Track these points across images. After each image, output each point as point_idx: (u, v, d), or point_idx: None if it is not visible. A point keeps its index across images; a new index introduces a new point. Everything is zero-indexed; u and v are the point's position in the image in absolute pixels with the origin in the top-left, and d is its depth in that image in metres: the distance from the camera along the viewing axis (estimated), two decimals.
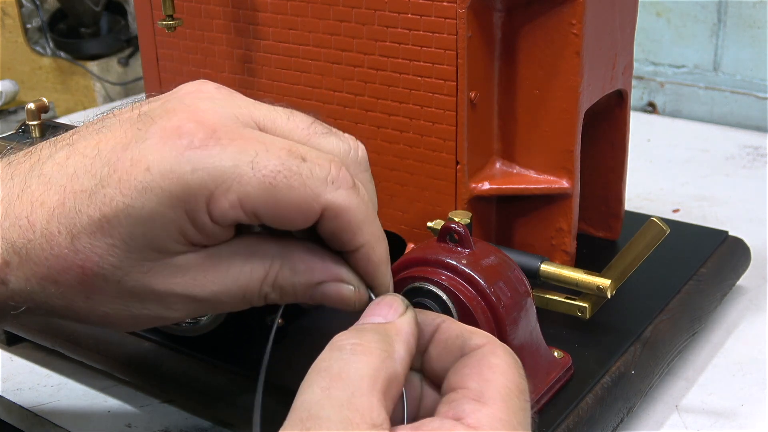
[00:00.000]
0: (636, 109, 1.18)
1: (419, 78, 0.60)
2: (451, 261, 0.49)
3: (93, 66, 1.54)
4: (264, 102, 0.43)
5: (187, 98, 0.41)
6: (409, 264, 0.51)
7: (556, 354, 0.54)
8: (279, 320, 0.44)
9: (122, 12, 1.59)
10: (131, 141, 0.40)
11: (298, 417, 0.35)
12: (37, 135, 0.65)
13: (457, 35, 0.57)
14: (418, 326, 0.41)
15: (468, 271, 0.49)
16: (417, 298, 0.50)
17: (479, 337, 0.40)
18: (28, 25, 1.57)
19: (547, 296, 0.57)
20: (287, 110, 0.43)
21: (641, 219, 0.65)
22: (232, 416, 0.57)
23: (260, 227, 0.42)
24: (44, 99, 0.66)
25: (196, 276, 0.41)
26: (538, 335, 0.52)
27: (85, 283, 0.40)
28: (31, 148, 0.43)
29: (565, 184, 0.61)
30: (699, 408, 0.60)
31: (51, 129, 0.66)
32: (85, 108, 1.53)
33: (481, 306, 0.49)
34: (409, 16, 0.59)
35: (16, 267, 0.40)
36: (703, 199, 0.92)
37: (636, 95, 1.21)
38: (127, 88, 1.57)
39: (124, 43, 1.58)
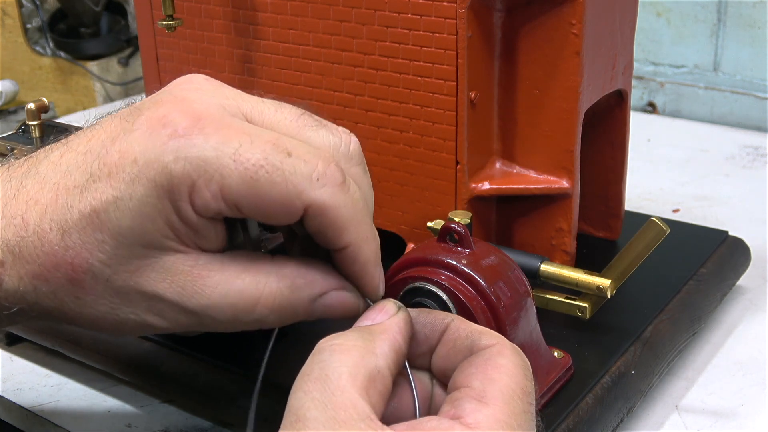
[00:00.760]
0: (636, 109, 1.18)
1: (419, 78, 0.60)
2: (451, 261, 0.49)
3: (93, 66, 1.54)
4: (252, 94, 0.43)
5: (175, 89, 0.41)
6: (409, 264, 0.51)
7: (556, 354, 0.54)
8: None
9: (122, 12, 1.60)
10: (119, 133, 0.40)
11: (288, 421, 0.35)
12: (37, 135, 0.65)
13: (457, 35, 0.57)
14: (412, 327, 0.41)
15: (468, 271, 0.49)
16: (417, 298, 0.50)
17: (489, 337, 0.40)
18: (28, 25, 1.57)
19: (547, 296, 0.57)
20: (276, 102, 0.42)
21: (641, 219, 0.65)
22: (232, 416, 0.57)
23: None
24: (44, 99, 0.66)
25: (184, 284, 0.40)
26: (538, 335, 0.52)
27: (74, 281, 0.40)
28: (31, 154, 0.43)
29: (565, 184, 0.61)
30: (699, 408, 0.60)
31: (51, 129, 0.66)
32: (85, 108, 1.53)
33: (481, 306, 0.49)
34: (409, 16, 0.59)
35: (10, 266, 0.40)
36: (703, 199, 0.91)
37: (636, 95, 1.21)
38: (127, 88, 1.57)
39: (124, 43, 1.58)
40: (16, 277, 0.41)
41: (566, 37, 0.58)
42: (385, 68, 0.61)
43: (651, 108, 1.23)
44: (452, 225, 0.50)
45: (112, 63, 1.56)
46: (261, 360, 0.44)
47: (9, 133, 0.69)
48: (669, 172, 0.99)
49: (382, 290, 0.43)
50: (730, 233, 0.73)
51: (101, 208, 0.39)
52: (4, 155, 0.66)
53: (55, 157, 0.41)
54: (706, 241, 0.72)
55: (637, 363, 0.57)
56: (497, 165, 0.63)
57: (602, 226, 0.71)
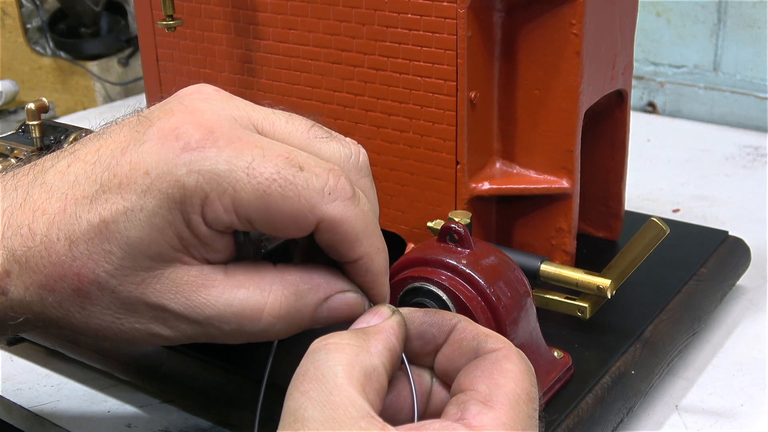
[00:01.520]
0: (636, 109, 1.18)
1: (419, 78, 0.60)
2: (451, 261, 0.49)
3: (93, 66, 1.54)
4: (263, 105, 0.43)
5: (185, 99, 0.41)
6: (409, 264, 0.51)
7: (556, 354, 0.54)
8: None
9: (122, 12, 1.59)
10: (130, 144, 0.40)
11: (286, 422, 0.35)
12: (37, 135, 0.65)
13: (457, 35, 0.57)
14: (407, 329, 0.41)
15: (468, 271, 0.49)
16: (417, 298, 0.50)
17: (495, 341, 0.40)
18: (28, 25, 1.57)
19: (547, 296, 0.57)
20: (286, 113, 0.43)
21: (641, 219, 0.65)
22: (232, 416, 0.57)
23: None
24: (44, 99, 0.66)
25: (189, 295, 0.40)
26: (538, 335, 0.52)
27: (80, 291, 0.40)
28: (35, 161, 0.43)
29: (565, 184, 0.61)
30: (699, 408, 0.60)
31: (51, 129, 0.66)
32: (85, 108, 1.52)
33: (481, 306, 0.49)
34: (409, 16, 0.59)
35: (16, 276, 0.40)
36: (703, 199, 0.92)
37: (636, 95, 1.21)
38: (127, 88, 1.57)
39: (124, 43, 1.58)
40: (22, 287, 0.40)
41: (566, 38, 0.58)
42: (385, 68, 0.61)
43: (651, 108, 1.23)
44: (452, 225, 0.50)
45: (112, 63, 1.56)
46: (261, 361, 0.44)
47: (9, 133, 0.69)
48: (669, 172, 0.99)
49: (388, 296, 0.43)
50: (730, 233, 0.73)
51: (111, 219, 0.39)
52: (4, 155, 0.66)
53: (62, 167, 0.41)
54: (706, 241, 0.72)
55: (637, 363, 0.57)
56: (497, 165, 0.63)
57: (602, 226, 0.71)
